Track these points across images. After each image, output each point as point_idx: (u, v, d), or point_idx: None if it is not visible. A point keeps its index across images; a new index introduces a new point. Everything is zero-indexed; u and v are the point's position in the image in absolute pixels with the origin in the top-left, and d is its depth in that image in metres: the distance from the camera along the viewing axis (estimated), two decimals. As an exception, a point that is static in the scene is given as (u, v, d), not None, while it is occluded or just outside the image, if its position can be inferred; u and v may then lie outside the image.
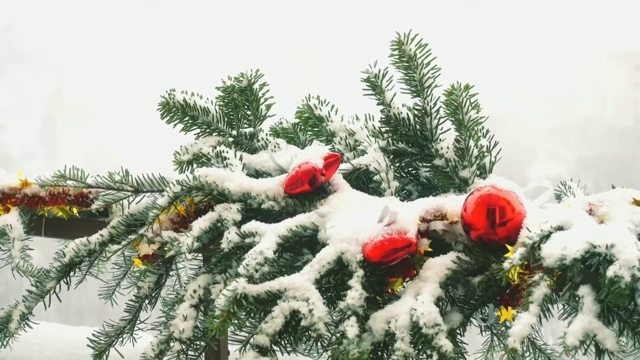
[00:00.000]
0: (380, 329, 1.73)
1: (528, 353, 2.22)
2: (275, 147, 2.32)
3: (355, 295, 1.75)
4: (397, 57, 2.14)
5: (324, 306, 1.75)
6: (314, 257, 1.85)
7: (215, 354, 2.31)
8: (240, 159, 2.18)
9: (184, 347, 2.02)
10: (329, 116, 2.32)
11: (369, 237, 1.83)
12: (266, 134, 2.37)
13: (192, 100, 2.35)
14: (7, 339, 2.24)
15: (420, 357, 1.71)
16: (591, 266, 1.63)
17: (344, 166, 2.17)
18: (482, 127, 2.10)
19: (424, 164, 2.18)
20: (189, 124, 2.36)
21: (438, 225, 1.88)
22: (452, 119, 2.10)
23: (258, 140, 2.35)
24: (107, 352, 2.20)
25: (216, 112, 2.36)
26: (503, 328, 2.17)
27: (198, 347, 2.07)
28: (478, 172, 2.08)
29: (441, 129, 2.14)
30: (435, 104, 2.13)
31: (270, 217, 2.06)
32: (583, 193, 2.11)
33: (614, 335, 1.57)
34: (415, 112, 2.15)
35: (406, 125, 2.15)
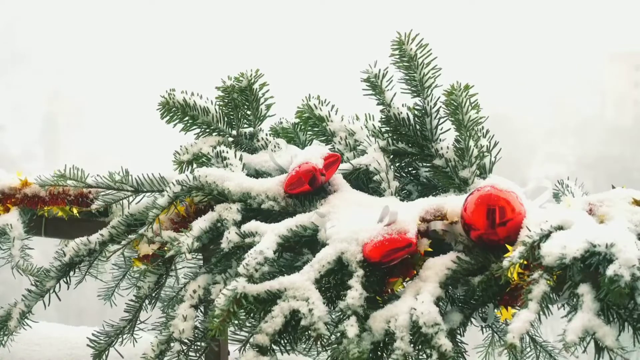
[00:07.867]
0: (380, 329, 1.73)
1: (529, 349, 2.23)
2: (275, 147, 2.32)
3: (355, 295, 1.75)
4: (397, 57, 2.14)
5: (324, 306, 1.75)
6: (314, 257, 1.85)
7: (216, 354, 2.31)
8: (240, 159, 2.18)
9: (184, 347, 2.02)
10: (329, 116, 2.32)
11: (369, 237, 1.83)
12: (266, 134, 2.37)
13: (192, 100, 2.34)
14: (6, 337, 2.24)
15: (420, 356, 1.71)
16: (591, 265, 1.63)
17: (344, 166, 2.16)
18: (482, 127, 2.10)
19: (424, 164, 2.18)
20: (188, 124, 2.36)
21: (438, 225, 1.88)
22: (452, 119, 2.10)
23: (258, 140, 2.35)
24: (106, 352, 2.20)
25: (216, 112, 2.36)
26: (503, 326, 2.17)
27: (199, 348, 2.07)
28: (478, 172, 2.08)
29: (441, 129, 2.14)
30: (435, 104, 2.13)
31: (270, 217, 2.06)
32: (581, 192, 2.11)
33: (614, 333, 1.57)
34: (416, 112, 2.15)
35: (406, 125, 2.15)
